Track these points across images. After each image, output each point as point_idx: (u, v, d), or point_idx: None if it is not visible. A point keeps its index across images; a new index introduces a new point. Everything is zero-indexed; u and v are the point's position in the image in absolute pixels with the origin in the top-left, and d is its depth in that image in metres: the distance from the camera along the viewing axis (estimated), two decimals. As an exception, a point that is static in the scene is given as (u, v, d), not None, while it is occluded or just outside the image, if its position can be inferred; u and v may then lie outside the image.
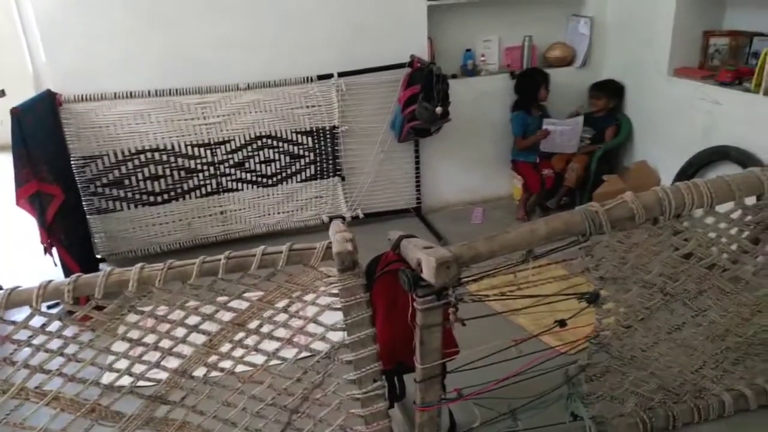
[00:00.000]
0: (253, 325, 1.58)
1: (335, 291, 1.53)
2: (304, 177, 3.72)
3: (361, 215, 3.82)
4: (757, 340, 1.98)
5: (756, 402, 2.05)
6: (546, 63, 4.04)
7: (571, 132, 3.74)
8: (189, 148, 3.46)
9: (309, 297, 1.57)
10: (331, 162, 3.72)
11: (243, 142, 3.54)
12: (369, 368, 1.60)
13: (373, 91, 3.62)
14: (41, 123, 2.99)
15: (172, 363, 1.57)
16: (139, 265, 1.43)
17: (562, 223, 1.51)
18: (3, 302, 1.38)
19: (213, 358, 1.59)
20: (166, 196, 3.53)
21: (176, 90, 3.31)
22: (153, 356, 1.55)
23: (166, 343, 1.55)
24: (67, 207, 3.05)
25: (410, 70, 3.53)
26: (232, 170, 3.58)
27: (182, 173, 3.51)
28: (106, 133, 3.32)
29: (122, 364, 1.54)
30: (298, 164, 3.68)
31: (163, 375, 1.57)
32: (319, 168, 3.72)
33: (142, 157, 3.41)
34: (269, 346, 1.59)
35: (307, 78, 3.48)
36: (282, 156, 3.63)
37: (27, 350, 1.47)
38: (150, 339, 1.54)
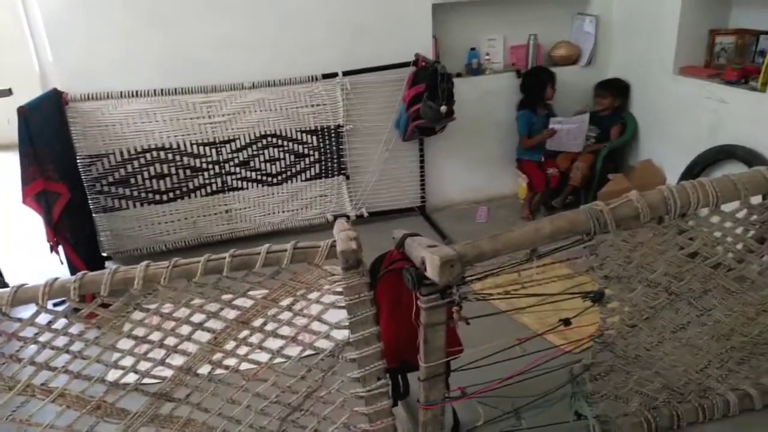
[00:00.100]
0: (258, 323, 1.58)
1: (339, 289, 1.53)
2: (308, 176, 3.73)
3: (365, 214, 3.83)
4: (762, 340, 1.97)
5: (761, 401, 2.05)
6: (551, 62, 4.03)
7: (577, 130, 3.73)
8: (194, 146, 3.48)
9: (313, 295, 1.58)
10: (335, 161, 3.72)
11: (248, 140, 3.55)
12: (373, 366, 1.60)
13: (378, 90, 3.62)
14: (48, 122, 3.01)
15: (177, 360, 1.58)
16: (144, 263, 1.44)
17: (567, 222, 1.51)
18: (10, 300, 1.39)
19: (218, 356, 1.60)
20: (171, 195, 3.54)
21: (181, 89, 3.32)
22: (158, 354, 1.56)
23: (171, 341, 1.55)
24: (73, 205, 3.07)
25: (415, 68, 3.53)
26: (237, 169, 3.59)
27: (187, 172, 3.52)
28: (112, 131, 3.34)
29: (127, 361, 1.55)
30: (302, 163, 3.69)
31: (168, 372, 1.58)
32: (323, 167, 3.73)
33: (148, 155, 3.42)
34: (273, 344, 1.59)
35: (312, 77, 3.49)
36: (287, 155, 3.64)
37: (33, 347, 1.47)
38: (155, 336, 1.54)
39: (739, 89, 3.02)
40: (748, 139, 2.95)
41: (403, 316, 1.63)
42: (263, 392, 1.65)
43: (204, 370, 1.60)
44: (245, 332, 1.58)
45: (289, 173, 3.69)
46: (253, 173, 3.63)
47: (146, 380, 1.57)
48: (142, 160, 3.42)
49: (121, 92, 3.25)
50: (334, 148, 3.69)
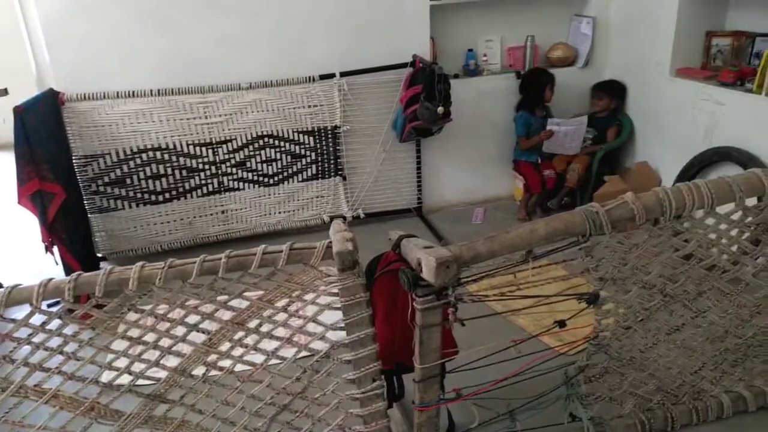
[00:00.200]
0: (253, 324, 1.58)
1: (335, 290, 1.53)
2: (305, 176, 3.72)
3: (362, 215, 3.83)
4: (757, 342, 1.97)
5: (755, 404, 2.05)
6: (548, 63, 4.04)
7: (575, 132, 3.73)
8: (190, 147, 3.47)
9: (309, 296, 1.57)
10: (332, 162, 3.72)
11: (244, 141, 3.54)
12: (368, 368, 1.60)
13: (375, 90, 3.62)
14: (44, 122, 3.00)
15: (172, 362, 1.57)
16: (139, 263, 1.43)
17: (563, 223, 1.51)
18: (4, 300, 1.39)
19: (212, 357, 1.59)
20: (167, 195, 3.53)
21: (178, 89, 3.32)
22: (152, 355, 1.55)
23: (165, 342, 1.55)
24: (69, 205, 3.06)
25: (412, 69, 3.53)
26: (234, 169, 3.59)
27: (183, 172, 3.51)
28: (108, 132, 3.33)
29: (122, 362, 1.54)
30: (299, 164, 3.68)
31: (162, 374, 1.58)
32: (320, 168, 3.73)
33: (144, 156, 3.41)
34: (269, 345, 1.59)
35: (310, 77, 3.49)
36: (283, 155, 3.64)
37: (27, 348, 1.47)
38: (150, 337, 1.54)
39: (735, 91, 3.03)
40: (743, 141, 2.96)
41: (399, 318, 1.63)
42: (258, 394, 1.65)
43: (199, 371, 1.60)
44: (240, 333, 1.58)
45: (285, 174, 3.68)
46: (250, 174, 3.63)
47: (140, 381, 1.57)
48: (138, 161, 3.41)
49: (117, 92, 3.24)
50: (331, 149, 3.69)
